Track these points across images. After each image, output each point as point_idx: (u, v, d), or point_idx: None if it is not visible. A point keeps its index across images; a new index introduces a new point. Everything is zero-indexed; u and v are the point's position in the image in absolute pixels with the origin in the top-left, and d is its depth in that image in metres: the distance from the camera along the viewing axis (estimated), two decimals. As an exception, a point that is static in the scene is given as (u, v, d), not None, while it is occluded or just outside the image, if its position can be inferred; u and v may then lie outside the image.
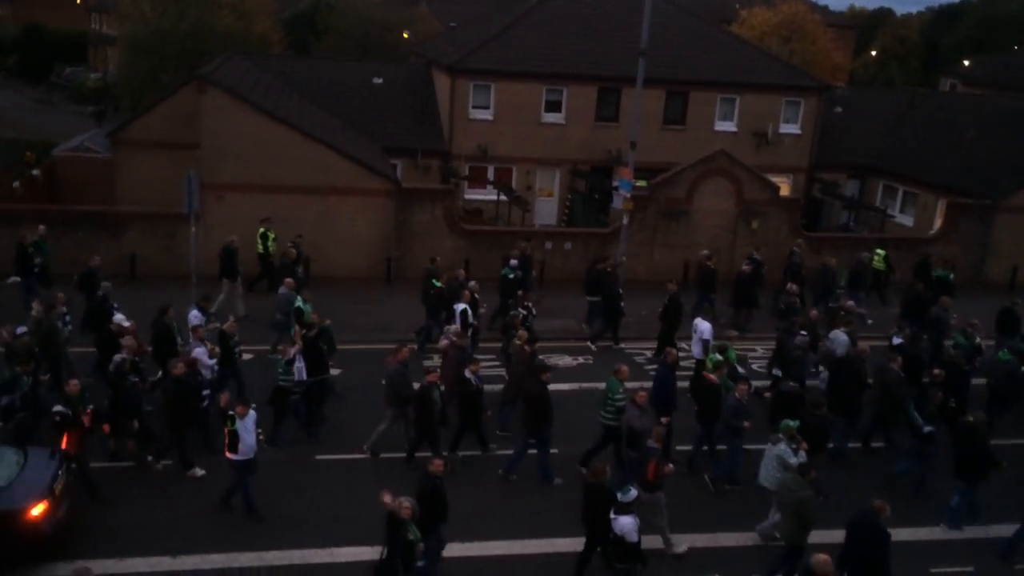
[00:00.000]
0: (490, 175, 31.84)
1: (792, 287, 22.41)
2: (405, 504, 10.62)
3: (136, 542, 12.51)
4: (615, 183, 29.37)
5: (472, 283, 19.64)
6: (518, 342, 16.60)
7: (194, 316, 16.88)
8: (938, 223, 30.07)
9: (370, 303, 23.05)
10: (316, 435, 15.78)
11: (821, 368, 18.15)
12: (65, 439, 12.89)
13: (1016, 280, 28.07)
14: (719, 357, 16.65)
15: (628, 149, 25.26)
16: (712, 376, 15.53)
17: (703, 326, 18.71)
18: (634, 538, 11.28)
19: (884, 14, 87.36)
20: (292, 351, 15.25)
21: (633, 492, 11.38)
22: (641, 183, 26.97)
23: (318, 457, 15.25)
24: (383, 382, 15.62)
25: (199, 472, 14.21)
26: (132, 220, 23.93)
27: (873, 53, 74.07)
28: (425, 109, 32.64)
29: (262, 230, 22.73)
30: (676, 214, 26.76)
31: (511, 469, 14.88)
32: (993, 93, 42.98)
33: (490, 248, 25.17)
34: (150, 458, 14.37)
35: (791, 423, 13.59)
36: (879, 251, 25.82)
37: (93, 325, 17.28)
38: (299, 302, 18.14)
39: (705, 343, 18.33)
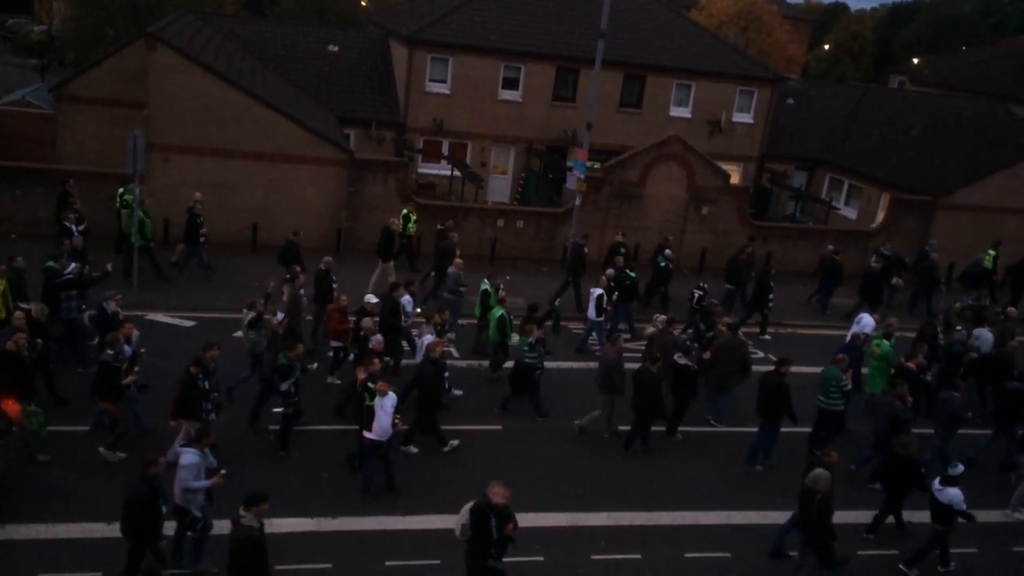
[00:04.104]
0: (445, 150, 31.66)
1: (898, 281, 23.57)
2: (823, 478, 11.74)
3: (73, 508, 12.32)
4: (569, 163, 29.46)
5: (610, 271, 20.28)
6: (723, 327, 17.31)
7: (407, 301, 17.29)
8: (880, 217, 30.80)
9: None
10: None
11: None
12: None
13: (952, 275, 28.95)
14: (887, 343, 17.27)
15: (584, 130, 25.35)
16: (911, 364, 16.39)
17: (867, 319, 19.22)
18: (963, 506, 12.51)
19: (839, 9, 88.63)
20: (537, 332, 16.17)
21: (960, 467, 12.70)
22: (595, 164, 27.10)
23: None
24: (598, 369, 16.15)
25: (455, 443, 14.89)
26: (73, 178, 23.22)
27: (827, 47, 75.19)
28: (381, 79, 32.25)
29: (404, 211, 23.23)
30: (629, 197, 26.97)
31: (768, 455, 15.60)
32: (941, 93, 44.05)
33: (442, 223, 25.03)
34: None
35: None
36: (990, 252, 26.49)
37: (316, 299, 17.99)
38: (486, 285, 18.53)
39: (855, 334, 18.68)
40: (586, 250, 22.80)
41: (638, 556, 12.72)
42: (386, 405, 12.93)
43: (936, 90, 45.56)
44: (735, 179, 31.38)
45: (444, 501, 13.34)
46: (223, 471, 11.24)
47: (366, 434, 13.05)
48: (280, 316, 15.79)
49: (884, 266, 23.94)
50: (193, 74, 23.24)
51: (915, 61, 60.45)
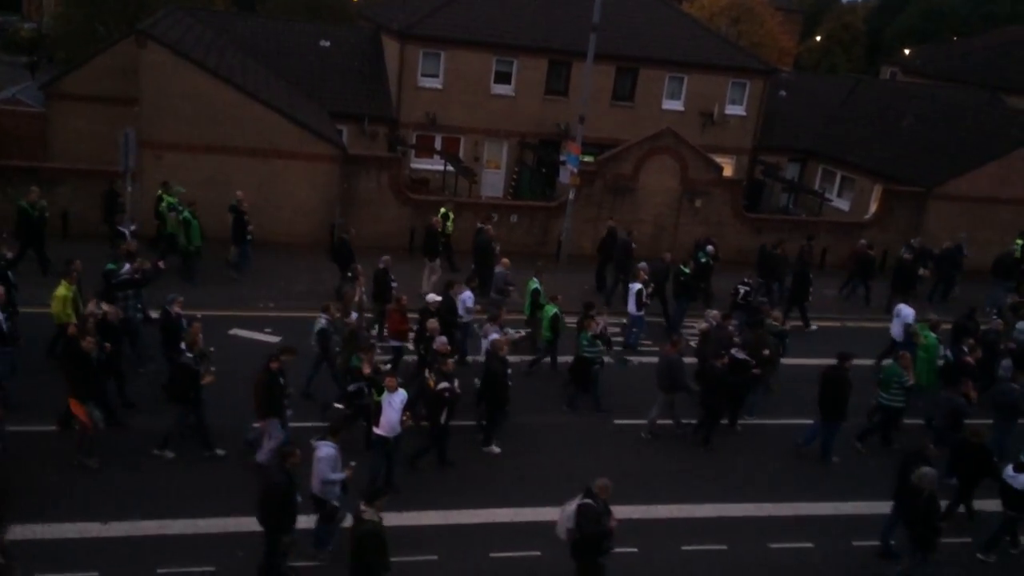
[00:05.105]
0: (438, 144, 31.60)
1: (925, 271, 24.24)
2: (930, 476, 11.77)
3: (64, 506, 12.29)
4: (562, 157, 29.44)
5: (643, 264, 20.36)
6: (775, 323, 17.76)
7: (468, 298, 17.49)
8: (873, 208, 30.86)
9: (310, 270, 22.81)
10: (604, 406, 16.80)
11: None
12: (445, 412, 13.76)
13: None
14: (933, 336, 17.64)
15: (576, 123, 25.33)
16: (969, 359, 16.77)
17: (906, 310, 19.48)
18: None
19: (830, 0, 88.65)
20: (598, 326, 16.38)
21: None
22: (588, 158, 27.08)
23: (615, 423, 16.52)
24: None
25: (495, 449, 14.98)
26: (65, 176, 23.14)
27: (818, 38, 75.23)
28: (373, 75, 32.16)
29: (443, 210, 23.14)
30: (622, 190, 26.96)
31: (809, 443, 15.90)
32: (931, 83, 44.13)
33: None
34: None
35: None
36: (1019, 241, 26.58)
37: (375, 298, 18.08)
38: (536, 284, 18.63)
39: (907, 327, 18.98)
40: (634, 245, 22.87)
41: (635, 549, 12.74)
42: (394, 401, 12.95)
43: (928, 80, 45.63)
44: (728, 172, 31.40)
45: (439, 497, 13.38)
46: (352, 463, 11.55)
47: (374, 429, 13.13)
48: (354, 316, 16.04)
49: (915, 258, 24.46)
50: (184, 70, 23.13)
51: (906, 52, 60.46)
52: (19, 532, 11.60)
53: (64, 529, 11.83)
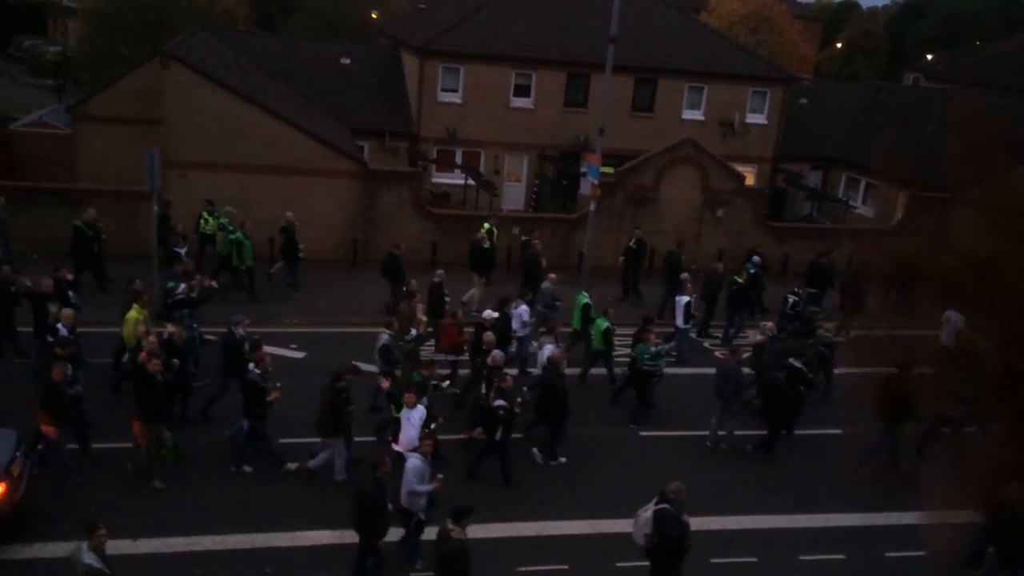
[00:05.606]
0: (458, 159, 31.71)
1: None
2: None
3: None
4: (583, 169, 29.39)
5: (685, 275, 20.56)
6: (827, 333, 17.88)
7: (524, 312, 17.82)
8: (899, 215, 30.54)
9: (335, 284, 22.92)
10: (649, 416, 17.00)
11: None
12: (501, 430, 13.91)
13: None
14: None
15: (596, 135, 25.29)
16: None
17: (955, 316, 19.19)
18: None
19: (850, 7, 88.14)
20: (657, 342, 16.72)
21: None
22: (608, 170, 27.04)
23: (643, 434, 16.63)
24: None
25: (562, 460, 15.08)
26: (92, 197, 23.42)
27: (839, 46, 74.83)
28: (393, 91, 32.36)
29: (488, 226, 23.28)
30: (643, 201, 26.90)
31: (871, 458, 15.73)
32: (955, 88, 43.69)
33: (457, 232, 25.09)
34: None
35: None
36: None
37: (429, 312, 18.15)
38: (586, 298, 18.85)
39: (958, 333, 18.77)
40: (683, 259, 22.91)
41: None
42: (413, 418, 13.00)
43: (952, 86, 45.20)
44: (750, 180, 31.22)
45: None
46: (440, 476, 11.87)
47: (393, 446, 13.23)
48: (413, 332, 16.17)
49: None
50: (207, 90, 23.40)
51: (929, 57, 59.99)
52: (50, 550, 11.71)
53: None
